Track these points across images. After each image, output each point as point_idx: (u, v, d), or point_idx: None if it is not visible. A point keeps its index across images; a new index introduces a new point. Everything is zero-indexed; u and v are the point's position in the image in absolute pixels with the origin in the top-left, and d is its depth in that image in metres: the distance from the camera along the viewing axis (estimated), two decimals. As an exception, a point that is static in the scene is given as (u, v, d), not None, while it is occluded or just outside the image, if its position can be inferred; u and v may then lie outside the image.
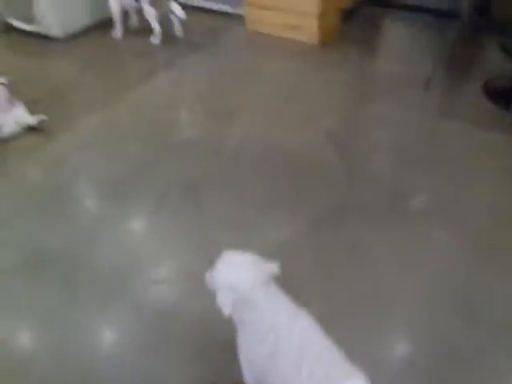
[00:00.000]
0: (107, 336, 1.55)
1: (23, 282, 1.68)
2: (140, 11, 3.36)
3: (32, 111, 2.51)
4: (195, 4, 4.05)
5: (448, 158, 2.21)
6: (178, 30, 3.46)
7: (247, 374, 1.13)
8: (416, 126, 2.49)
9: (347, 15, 3.70)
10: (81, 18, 3.46)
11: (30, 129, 2.47)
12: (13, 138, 2.42)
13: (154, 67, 3.25)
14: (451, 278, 1.64)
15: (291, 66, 3.15)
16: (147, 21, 3.30)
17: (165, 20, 3.35)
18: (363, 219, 1.88)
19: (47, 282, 1.66)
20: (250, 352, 1.09)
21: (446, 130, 2.42)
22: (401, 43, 3.62)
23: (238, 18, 3.73)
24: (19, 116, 2.48)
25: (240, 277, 1.08)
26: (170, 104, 2.78)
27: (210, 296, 1.11)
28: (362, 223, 1.86)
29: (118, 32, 3.43)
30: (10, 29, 3.58)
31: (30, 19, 3.47)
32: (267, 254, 1.17)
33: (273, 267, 1.14)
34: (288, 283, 1.17)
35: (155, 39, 3.37)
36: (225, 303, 1.05)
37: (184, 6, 4.02)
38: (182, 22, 3.40)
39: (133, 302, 1.57)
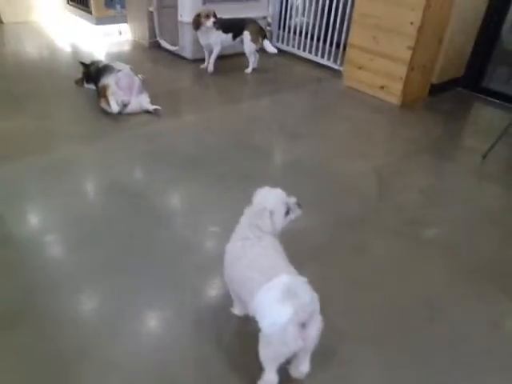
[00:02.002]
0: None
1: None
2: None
3: (152, 101, 3.28)
4: (303, 56, 4.80)
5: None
6: (255, 64, 4.30)
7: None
8: (463, 187, 2.73)
9: (437, 90, 4.07)
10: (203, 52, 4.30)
11: (147, 112, 3.24)
12: (133, 114, 3.20)
13: (253, 94, 3.94)
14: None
15: (368, 116, 3.59)
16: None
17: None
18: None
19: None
20: (229, 247, 1.50)
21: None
22: (478, 121, 3.88)
23: (338, 74, 4.34)
24: (143, 102, 3.26)
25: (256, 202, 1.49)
26: (252, 120, 3.37)
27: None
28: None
29: (210, 66, 4.16)
30: (159, 47, 4.63)
31: (173, 43, 4.46)
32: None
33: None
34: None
35: (248, 69, 4.25)
36: None
37: (293, 56, 4.83)
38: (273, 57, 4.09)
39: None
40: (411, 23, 3.48)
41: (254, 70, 4.30)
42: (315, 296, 1.21)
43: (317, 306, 1.21)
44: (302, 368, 1.35)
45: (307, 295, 1.18)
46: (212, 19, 3.83)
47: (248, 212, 1.50)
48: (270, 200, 1.47)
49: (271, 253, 1.41)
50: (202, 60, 4.27)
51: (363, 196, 2.53)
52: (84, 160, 2.64)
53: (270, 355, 1.27)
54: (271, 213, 1.45)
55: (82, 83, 3.54)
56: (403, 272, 2.00)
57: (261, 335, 1.27)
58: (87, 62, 3.54)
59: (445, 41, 3.81)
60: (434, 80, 4.02)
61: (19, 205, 2.20)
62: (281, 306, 1.18)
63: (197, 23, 3.91)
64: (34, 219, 2.15)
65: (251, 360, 1.35)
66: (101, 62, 3.49)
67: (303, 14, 4.94)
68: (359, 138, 3.22)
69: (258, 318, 1.27)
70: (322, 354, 1.43)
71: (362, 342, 1.63)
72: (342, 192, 2.55)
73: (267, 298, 1.25)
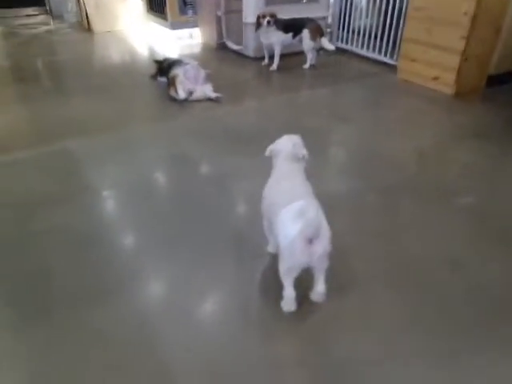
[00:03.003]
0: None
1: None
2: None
3: (215, 91, 3.68)
4: (359, 52, 4.98)
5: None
6: (313, 61, 4.57)
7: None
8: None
9: (496, 82, 4.05)
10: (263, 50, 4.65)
11: (209, 99, 3.63)
12: (197, 101, 3.61)
13: (309, 86, 4.21)
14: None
15: (420, 105, 3.68)
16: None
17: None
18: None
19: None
20: (268, 183, 1.76)
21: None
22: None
23: (394, 68, 4.45)
24: (207, 90, 3.66)
25: (284, 143, 1.81)
26: (306, 106, 3.64)
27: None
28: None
29: (274, 64, 4.48)
30: (225, 48, 5.07)
31: (238, 43, 4.87)
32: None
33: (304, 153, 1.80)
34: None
35: (306, 65, 4.51)
36: (268, 151, 1.82)
37: (350, 53, 5.02)
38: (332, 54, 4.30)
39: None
40: (465, 13, 3.54)
41: (312, 66, 4.55)
42: (321, 213, 1.44)
43: (323, 222, 1.43)
44: (319, 288, 1.55)
45: (313, 212, 1.40)
46: (267, 18, 4.17)
47: (282, 148, 1.80)
48: (293, 137, 1.87)
49: (297, 183, 1.68)
50: (263, 58, 4.62)
51: (402, 169, 2.67)
52: (154, 136, 3.06)
53: (284, 268, 1.50)
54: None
55: (156, 77, 4.02)
56: (429, 232, 2.13)
57: (278, 252, 1.51)
58: (160, 59, 4.02)
59: (503, 31, 3.80)
60: (492, 71, 4.01)
61: (102, 169, 2.63)
62: (292, 222, 1.41)
63: (257, 23, 4.27)
64: (110, 181, 2.54)
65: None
66: (172, 58, 3.96)
67: (367, 16, 5.11)
68: (407, 123, 3.34)
69: (278, 235, 1.52)
70: (344, 289, 1.65)
71: (384, 283, 1.81)
72: (382, 165, 2.71)
73: (284, 218, 1.49)
